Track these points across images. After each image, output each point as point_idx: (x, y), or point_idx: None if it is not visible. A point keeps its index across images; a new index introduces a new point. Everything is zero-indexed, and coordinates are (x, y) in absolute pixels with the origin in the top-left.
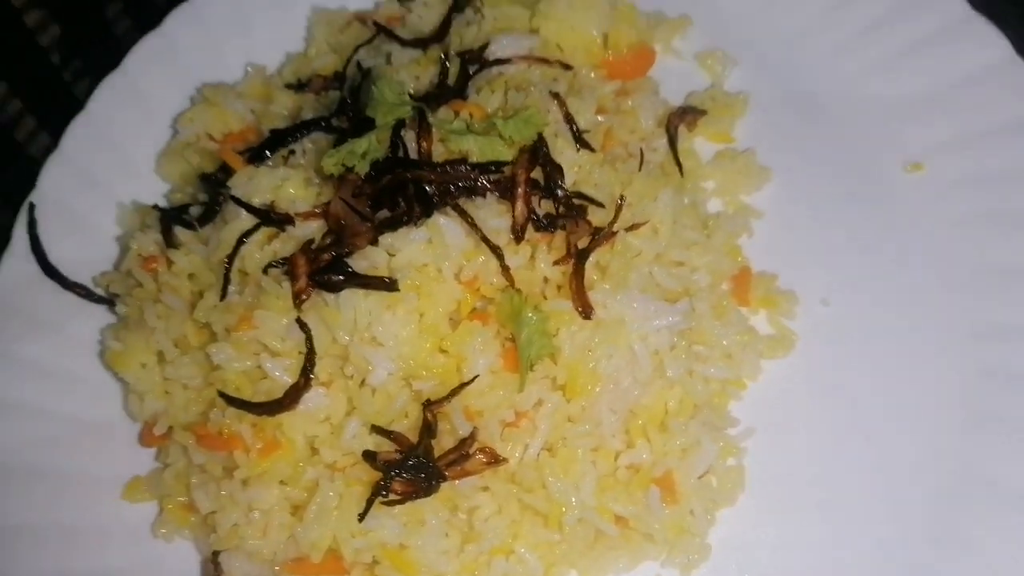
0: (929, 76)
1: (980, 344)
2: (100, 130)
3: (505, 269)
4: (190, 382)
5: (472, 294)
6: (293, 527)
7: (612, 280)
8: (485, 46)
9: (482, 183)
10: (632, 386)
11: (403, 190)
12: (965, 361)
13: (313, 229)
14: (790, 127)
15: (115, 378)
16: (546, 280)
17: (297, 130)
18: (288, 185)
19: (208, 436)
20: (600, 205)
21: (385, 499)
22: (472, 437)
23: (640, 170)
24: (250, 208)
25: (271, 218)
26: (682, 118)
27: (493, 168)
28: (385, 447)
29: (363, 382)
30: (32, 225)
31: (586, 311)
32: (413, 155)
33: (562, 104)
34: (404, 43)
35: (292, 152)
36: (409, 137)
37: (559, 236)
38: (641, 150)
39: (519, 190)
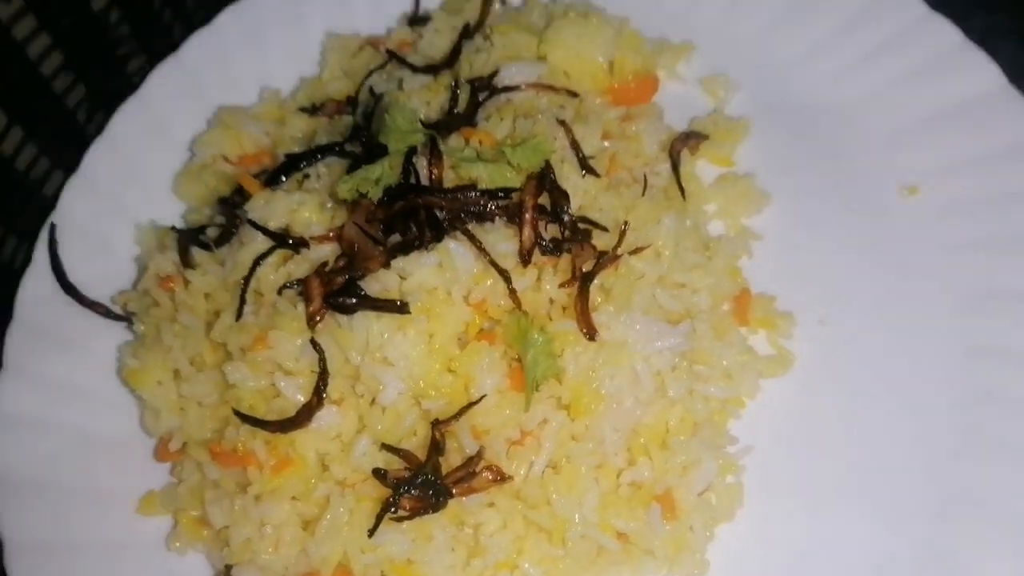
0: (925, 103)
1: (975, 366)
2: (119, 152)
3: (512, 292)
4: (205, 399)
5: (480, 316)
6: (304, 542)
7: (616, 302)
8: (495, 73)
9: (491, 209)
10: (634, 405)
11: (415, 215)
12: (960, 382)
13: (327, 252)
14: (790, 152)
15: (132, 394)
16: (552, 302)
17: (312, 155)
18: (303, 209)
19: (222, 452)
20: (604, 229)
21: (394, 515)
22: (479, 455)
23: (644, 195)
24: (266, 231)
25: (286, 241)
26: (685, 143)
27: (501, 194)
28: (394, 464)
29: (373, 401)
30: (53, 245)
31: (590, 332)
32: (425, 181)
33: (568, 131)
34: (416, 70)
35: (307, 176)
36: (421, 164)
37: (565, 259)
38: (645, 176)
39: (526, 215)
